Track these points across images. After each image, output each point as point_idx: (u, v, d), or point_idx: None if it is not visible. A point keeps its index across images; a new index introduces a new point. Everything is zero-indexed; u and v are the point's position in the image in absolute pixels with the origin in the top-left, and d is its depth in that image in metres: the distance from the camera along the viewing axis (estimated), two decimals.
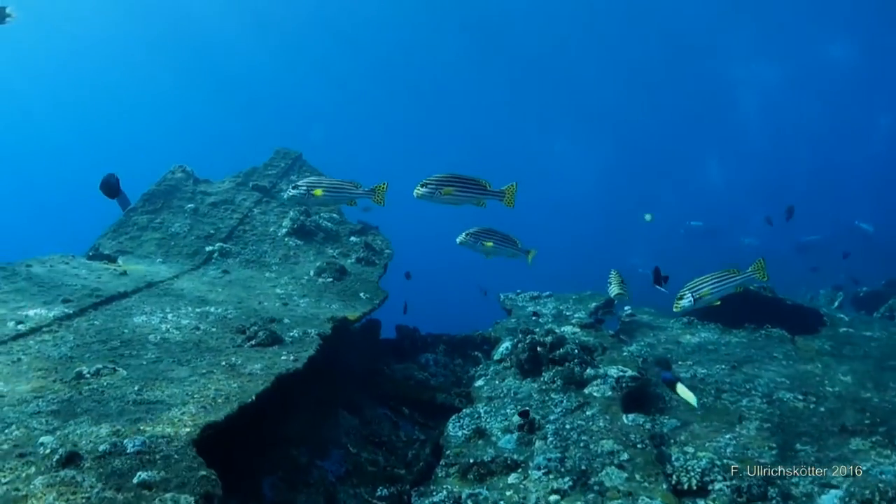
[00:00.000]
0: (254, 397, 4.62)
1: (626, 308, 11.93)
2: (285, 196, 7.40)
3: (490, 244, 7.33)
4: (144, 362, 5.35)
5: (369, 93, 53.70)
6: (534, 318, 10.68)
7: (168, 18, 45.25)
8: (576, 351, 8.09)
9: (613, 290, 8.51)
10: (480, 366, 8.89)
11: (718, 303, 8.28)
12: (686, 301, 7.26)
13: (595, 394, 7.47)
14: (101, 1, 42.38)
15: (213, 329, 6.47)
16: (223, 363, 5.36)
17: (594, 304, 11.32)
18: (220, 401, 4.51)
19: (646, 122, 50.18)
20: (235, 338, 6.19)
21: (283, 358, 5.67)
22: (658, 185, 47.93)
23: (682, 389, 7.43)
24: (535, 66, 47.44)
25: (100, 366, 5.06)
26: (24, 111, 51.92)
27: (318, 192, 7.19)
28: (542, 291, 12.45)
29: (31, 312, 6.28)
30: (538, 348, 8.11)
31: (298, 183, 7.35)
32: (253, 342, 5.96)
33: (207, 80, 52.72)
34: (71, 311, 6.44)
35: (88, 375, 4.93)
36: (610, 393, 7.47)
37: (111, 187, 6.59)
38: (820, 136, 48.33)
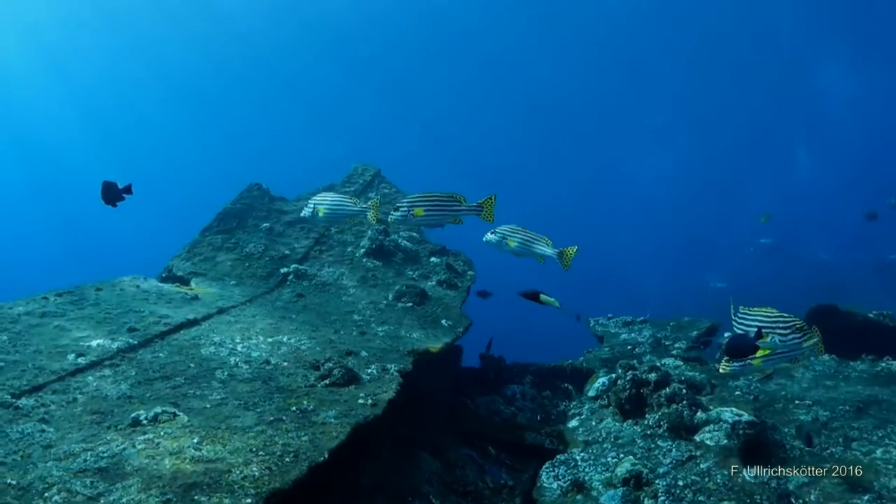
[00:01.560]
0: (326, 455, 4.00)
1: (726, 335, 10.91)
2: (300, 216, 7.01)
3: (514, 243, 6.47)
4: (208, 405, 4.80)
5: (423, 101, 52.90)
6: (631, 350, 9.81)
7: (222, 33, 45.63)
8: (684, 391, 7.22)
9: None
10: (573, 402, 8.10)
11: (770, 371, 7.23)
12: (736, 365, 6.24)
13: (708, 442, 6.58)
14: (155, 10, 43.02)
15: (285, 363, 5.91)
16: (293, 408, 4.76)
17: (695, 333, 10.36)
18: (287, 460, 3.90)
19: (730, 128, 48.03)
20: (308, 375, 5.61)
21: (360, 401, 5.03)
22: (740, 194, 45.74)
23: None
24: (609, 68, 46.00)
25: (159, 409, 4.53)
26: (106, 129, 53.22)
27: (321, 210, 6.82)
28: (636, 316, 11.55)
29: (94, 343, 5.86)
30: (642, 388, 7.26)
31: (308, 201, 6.98)
32: (327, 381, 5.36)
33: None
34: (136, 342, 5.99)
35: (145, 422, 4.40)
36: (725, 441, 6.57)
37: (112, 193, 6.17)
38: None
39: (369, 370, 5.81)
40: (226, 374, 5.50)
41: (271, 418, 4.54)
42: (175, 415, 4.53)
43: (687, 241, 42.31)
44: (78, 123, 50.80)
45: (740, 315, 5.57)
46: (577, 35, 44.45)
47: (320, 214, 6.79)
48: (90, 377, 5.22)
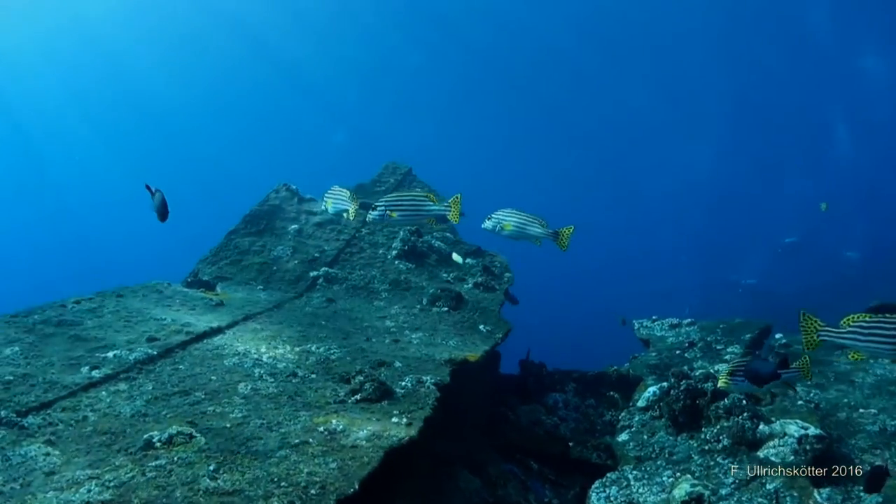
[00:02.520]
0: (356, 486, 3.54)
1: (777, 335, 10.28)
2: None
3: (509, 227, 6.37)
4: (228, 424, 4.38)
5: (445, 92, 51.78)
6: (687, 347, 9.21)
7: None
8: (744, 402, 6.64)
9: None
10: (622, 413, 7.56)
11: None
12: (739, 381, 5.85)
13: (773, 458, 6.01)
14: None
15: (313, 375, 5.47)
16: (321, 429, 4.31)
17: (749, 335, 9.73)
18: (312, 492, 3.45)
19: (760, 125, 46.58)
20: (338, 389, 5.16)
21: (393, 420, 4.57)
22: (769, 191, 44.38)
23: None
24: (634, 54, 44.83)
25: (174, 430, 4.12)
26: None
27: (329, 203, 6.82)
28: (682, 318, 10.95)
29: (110, 354, 5.48)
30: (697, 399, 6.71)
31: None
32: (358, 396, 4.91)
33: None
34: (155, 353, 5.60)
35: (159, 444, 3.99)
36: (792, 458, 5.99)
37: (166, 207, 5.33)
38: None
39: (403, 383, 5.35)
40: (249, 387, 5.08)
41: (297, 441, 4.09)
42: (191, 436, 4.11)
43: (716, 237, 41.38)
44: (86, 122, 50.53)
45: (863, 323, 4.70)
46: (609, 27, 43.57)
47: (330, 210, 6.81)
48: (103, 392, 4.84)
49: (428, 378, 5.51)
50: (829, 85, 42.82)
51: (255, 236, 9.47)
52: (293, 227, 9.66)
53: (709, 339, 9.85)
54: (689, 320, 10.86)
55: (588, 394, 8.83)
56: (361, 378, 5.07)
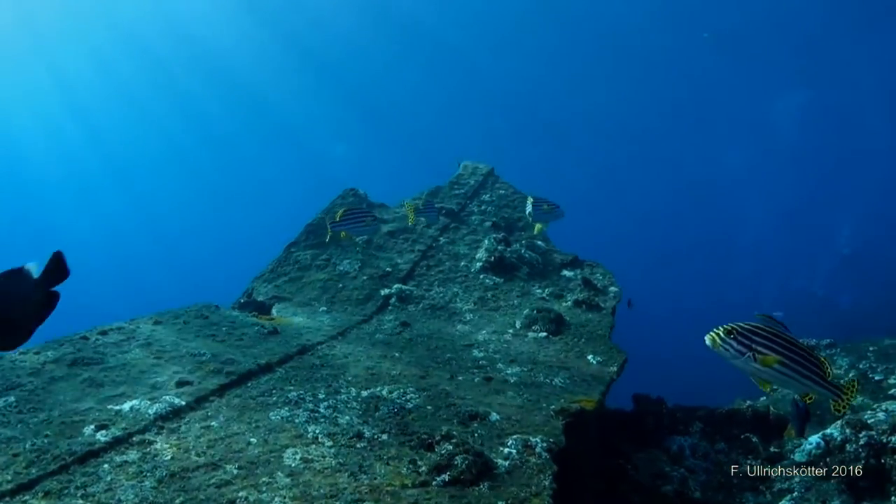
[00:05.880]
0: None
1: None
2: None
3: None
4: None
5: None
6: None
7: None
8: None
9: None
10: (775, 469, 5.94)
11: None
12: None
13: None
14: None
15: (384, 436, 4.10)
16: None
17: None
18: None
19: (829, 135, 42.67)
20: (418, 459, 3.77)
21: None
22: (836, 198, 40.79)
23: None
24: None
25: None
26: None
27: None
28: (821, 339, 9.21)
29: (127, 406, 4.26)
30: (882, 457, 5.07)
31: None
32: (447, 476, 3.50)
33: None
34: (183, 403, 4.35)
35: None
36: None
37: None
38: None
39: (506, 449, 3.93)
40: (299, 456, 3.75)
41: None
42: None
43: (785, 244, 38.49)
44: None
45: None
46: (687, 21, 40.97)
47: None
48: (106, 465, 3.60)
49: (537, 440, 4.07)
50: None
51: (319, 249, 8.23)
52: (361, 237, 8.38)
53: (861, 366, 8.10)
54: (827, 341, 9.12)
55: (718, 436, 7.22)
56: (450, 446, 3.66)
